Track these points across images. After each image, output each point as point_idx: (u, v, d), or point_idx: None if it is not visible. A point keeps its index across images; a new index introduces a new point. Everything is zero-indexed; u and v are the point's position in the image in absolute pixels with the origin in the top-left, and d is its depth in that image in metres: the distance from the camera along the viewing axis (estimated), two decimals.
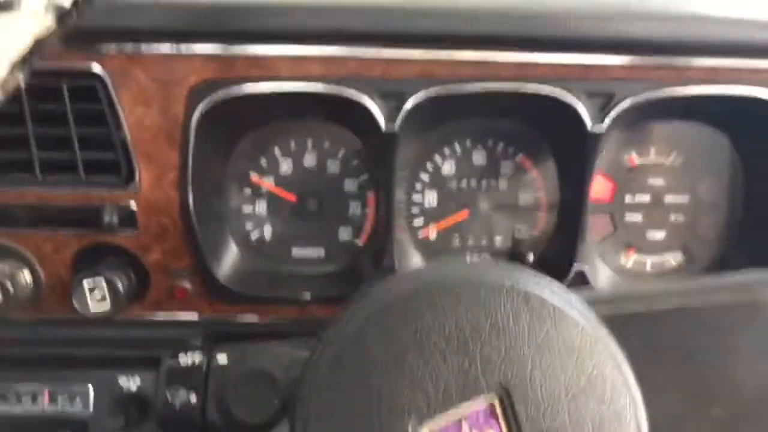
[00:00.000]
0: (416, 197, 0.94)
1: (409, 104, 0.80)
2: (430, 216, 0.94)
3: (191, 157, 0.81)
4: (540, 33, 0.76)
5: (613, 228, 0.94)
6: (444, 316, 0.43)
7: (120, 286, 0.85)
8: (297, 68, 0.79)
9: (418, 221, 0.94)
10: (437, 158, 0.93)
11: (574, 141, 0.83)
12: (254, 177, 0.92)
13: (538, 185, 0.93)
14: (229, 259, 0.91)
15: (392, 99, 0.80)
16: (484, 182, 0.93)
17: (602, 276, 0.91)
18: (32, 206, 0.84)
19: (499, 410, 0.43)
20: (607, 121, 0.80)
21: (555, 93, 0.80)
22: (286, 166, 0.92)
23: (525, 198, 0.93)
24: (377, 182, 0.92)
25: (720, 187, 0.92)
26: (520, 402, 0.42)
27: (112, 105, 0.79)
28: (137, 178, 0.82)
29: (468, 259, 0.53)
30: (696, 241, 0.94)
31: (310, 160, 0.92)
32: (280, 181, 0.93)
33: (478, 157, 0.93)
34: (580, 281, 0.87)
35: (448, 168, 0.93)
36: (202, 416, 0.78)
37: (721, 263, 0.93)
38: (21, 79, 0.47)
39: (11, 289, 0.87)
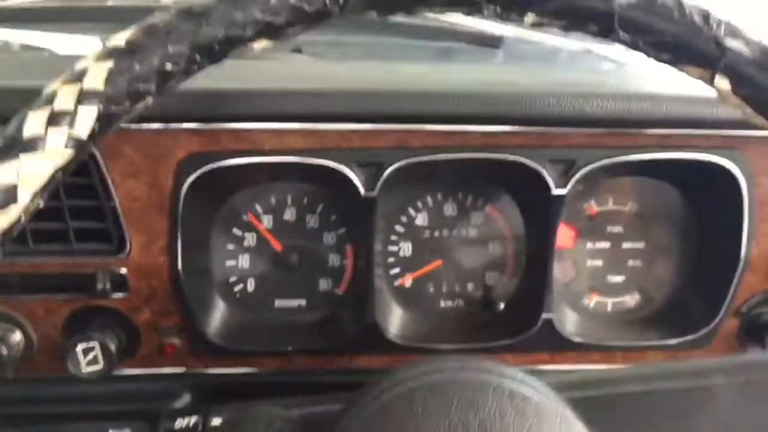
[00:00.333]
0: (392, 248, 0.99)
1: (387, 173, 0.85)
2: (406, 265, 0.99)
3: (180, 225, 0.85)
4: (504, 112, 0.82)
5: (575, 273, 1.01)
6: (437, 418, 0.48)
7: (112, 346, 0.89)
8: (279, 141, 0.84)
9: (394, 270, 1.00)
10: (411, 211, 0.98)
11: (539, 201, 0.89)
12: (237, 233, 0.96)
13: (506, 235, 0.99)
14: (215, 315, 0.96)
15: (371, 167, 0.86)
16: (455, 232, 0.99)
17: (569, 322, 0.98)
18: (25, 274, 0.87)
19: None
20: (570, 184, 0.87)
21: (521, 160, 0.86)
22: (267, 222, 0.97)
23: (494, 247, 0.99)
24: (355, 235, 0.97)
25: (673, 233, 0.99)
26: None
27: (102, 179, 0.83)
28: (128, 245, 0.86)
29: (454, 358, 0.58)
30: (652, 283, 1.01)
31: (289, 215, 0.97)
32: (262, 236, 0.97)
33: (449, 209, 0.99)
34: (548, 328, 0.93)
35: (421, 220, 0.99)
36: None
37: (676, 303, 1.00)
38: (41, 204, 0.51)
39: (4, 350, 0.90)
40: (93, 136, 0.48)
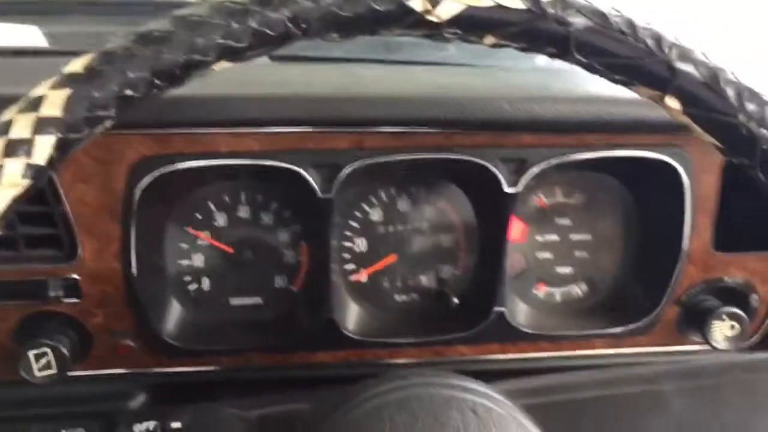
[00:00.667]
0: (347, 244, 1.00)
1: (343, 174, 0.86)
2: (361, 261, 1.00)
3: (134, 229, 0.84)
4: (458, 116, 0.83)
5: (526, 265, 1.03)
6: None
7: (65, 351, 0.87)
8: (234, 143, 0.83)
9: (350, 266, 1.00)
10: (365, 207, 0.99)
11: (492, 199, 0.91)
12: (191, 232, 0.95)
13: (459, 229, 1.01)
14: (170, 315, 0.95)
15: (326, 169, 0.86)
16: (409, 227, 1.00)
17: (520, 313, 1.00)
18: None
19: None
20: (522, 183, 0.89)
21: (474, 160, 0.87)
22: (221, 220, 0.96)
23: (447, 241, 1.01)
24: (310, 233, 0.97)
25: (618, 225, 1.03)
26: None
27: (52, 184, 0.81)
28: (80, 251, 0.84)
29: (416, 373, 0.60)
30: (598, 274, 1.04)
31: (244, 212, 0.96)
32: (216, 234, 0.96)
33: (403, 205, 1.00)
34: (500, 320, 0.96)
35: (375, 215, 0.99)
36: None
37: (620, 293, 1.04)
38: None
39: None
40: (51, 163, 0.48)
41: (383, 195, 0.99)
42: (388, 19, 0.52)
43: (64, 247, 0.84)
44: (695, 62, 0.53)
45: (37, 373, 0.86)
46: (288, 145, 0.85)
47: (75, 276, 0.86)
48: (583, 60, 0.53)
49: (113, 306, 0.89)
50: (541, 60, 0.98)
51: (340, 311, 0.97)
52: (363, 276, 1.01)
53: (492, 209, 0.94)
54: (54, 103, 0.46)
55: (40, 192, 0.81)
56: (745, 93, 0.52)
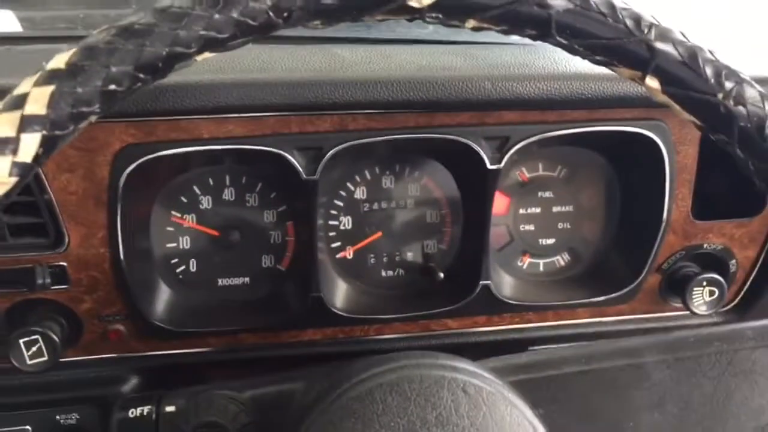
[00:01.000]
0: (332, 222, 1.00)
1: (327, 156, 0.86)
2: (347, 239, 1.01)
3: (120, 216, 0.84)
4: (441, 97, 0.84)
5: (509, 238, 1.05)
6: (397, 415, 0.51)
7: (55, 337, 0.88)
8: (217, 129, 0.83)
9: (336, 244, 1.01)
10: (350, 185, 0.99)
11: (475, 175, 0.92)
12: (176, 215, 0.96)
13: (443, 205, 1.02)
14: (159, 298, 0.95)
15: (310, 151, 0.86)
16: (393, 204, 1.01)
17: (505, 285, 1.02)
18: None
19: None
20: (505, 160, 0.90)
21: (457, 138, 0.88)
22: (206, 202, 0.96)
23: (431, 217, 1.02)
24: (296, 213, 0.98)
25: (600, 197, 1.04)
26: None
27: (36, 173, 0.80)
28: (66, 239, 0.84)
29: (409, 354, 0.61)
30: (581, 243, 1.06)
31: (228, 194, 0.97)
32: (201, 216, 0.96)
33: (387, 182, 1.00)
34: (486, 293, 0.97)
35: (360, 193, 1.00)
36: None
37: (602, 262, 1.06)
38: None
39: None
40: (37, 159, 0.48)
41: (367, 174, 0.99)
42: (371, 5, 0.52)
43: (50, 235, 0.84)
44: (674, 42, 0.53)
45: (29, 361, 0.86)
46: (271, 129, 0.85)
47: (62, 263, 0.86)
48: (564, 41, 0.54)
49: (102, 291, 0.89)
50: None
51: (328, 289, 0.98)
52: (349, 253, 1.02)
53: (475, 185, 0.95)
54: (38, 100, 0.46)
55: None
56: (723, 71, 0.53)
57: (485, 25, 0.54)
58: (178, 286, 0.98)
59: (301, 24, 0.52)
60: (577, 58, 0.55)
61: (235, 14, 0.49)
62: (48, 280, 0.86)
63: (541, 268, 1.07)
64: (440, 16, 0.53)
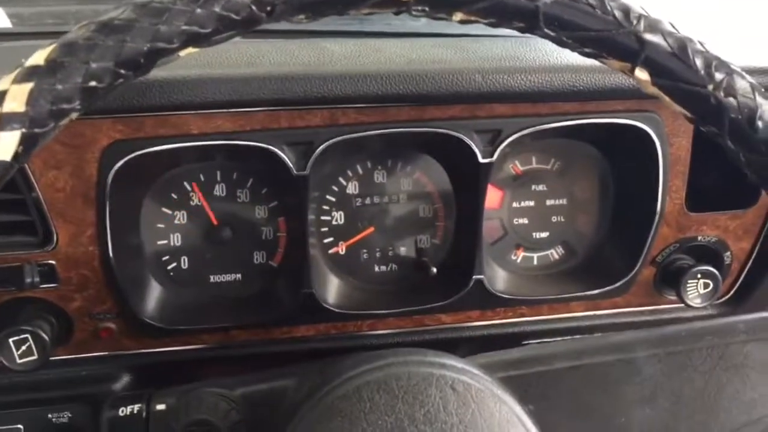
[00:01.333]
0: (325, 217, 1.00)
1: (317, 151, 0.85)
2: (339, 234, 1.00)
3: (108, 213, 0.83)
4: (432, 90, 0.83)
5: (503, 232, 1.04)
6: (384, 413, 0.50)
7: (45, 336, 0.87)
8: (205, 124, 0.82)
9: (328, 239, 1.01)
10: (341, 180, 0.99)
11: (467, 169, 0.91)
12: (167, 211, 0.95)
13: (435, 200, 1.01)
14: (150, 296, 0.95)
15: (301, 146, 0.86)
16: (386, 199, 1.00)
17: (498, 279, 1.02)
18: None
19: None
20: (497, 153, 0.89)
21: (448, 132, 0.87)
22: (196, 199, 0.95)
23: (424, 211, 1.02)
24: (287, 208, 0.97)
25: (593, 189, 1.04)
26: None
27: (22, 171, 0.80)
28: (55, 237, 0.84)
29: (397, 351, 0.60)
30: (575, 236, 1.06)
31: (219, 190, 0.96)
32: (192, 212, 0.96)
33: (379, 177, 1.00)
34: (479, 287, 0.97)
35: (352, 188, 0.99)
36: None
37: (596, 255, 1.05)
38: None
39: None
40: (17, 157, 0.47)
41: (359, 168, 0.99)
42: None
43: (38, 234, 0.84)
44: (663, 33, 0.53)
45: (18, 360, 0.86)
46: (261, 124, 0.84)
47: (51, 261, 0.85)
48: (552, 34, 0.53)
49: (92, 289, 0.89)
50: None
51: (320, 285, 0.97)
52: (342, 249, 1.01)
53: (468, 179, 0.94)
54: (16, 97, 0.45)
55: (11, 179, 0.80)
56: (713, 62, 0.53)
57: (473, 18, 0.53)
58: (169, 283, 0.97)
59: (285, 18, 0.51)
60: (569, 50, 0.54)
61: (217, 9, 0.48)
62: (37, 279, 0.85)
63: (535, 262, 1.07)
64: (427, 9, 0.53)
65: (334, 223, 1.00)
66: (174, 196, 0.94)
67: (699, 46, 0.53)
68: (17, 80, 0.46)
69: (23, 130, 0.46)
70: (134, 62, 0.47)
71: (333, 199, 0.99)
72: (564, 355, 0.58)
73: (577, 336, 1.02)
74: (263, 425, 0.72)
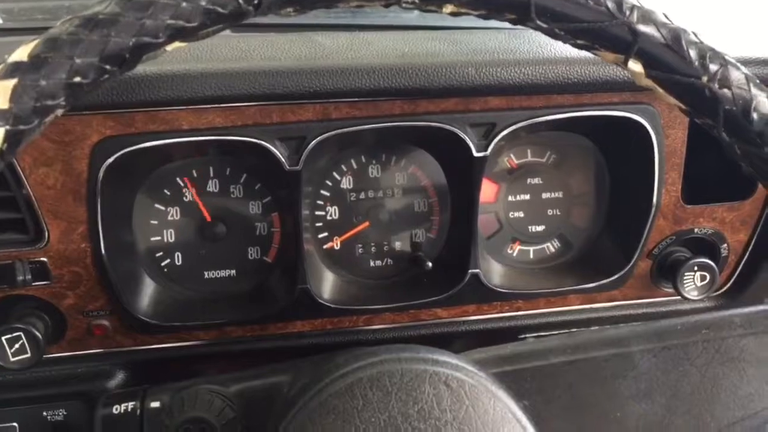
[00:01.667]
0: (319, 212, 0.99)
1: (310, 146, 0.84)
2: (334, 229, 1.00)
3: (100, 210, 0.82)
4: (425, 84, 0.83)
5: (499, 226, 1.04)
6: (378, 410, 0.50)
7: (38, 334, 0.86)
8: (197, 119, 0.82)
9: (323, 234, 1.00)
10: (335, 175, 0.98)
11: (462, 163, 0.91)
12: (160, 208, 0.94)
13: (430, 193, 1.00)
14: (144, 292, 0.94)
15: (293, 141, 0.85)
16: (380, 193, 0.99)
17: (494, 273, 1.01)
18: None
19: None
20: (491, 147, 0.88)
21: (442, 126, 0.87)
22: (189, 194, 0.95)
23: (419, 205, 1.01)
24: (281, 203, 0.96)
25: (589, 182, 1.03)
26: None
27: (12, 168, 0.79)
28: (46, 235, 0.83)
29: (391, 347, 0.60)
30: (570, 230, 1.05)
31: (212, 186, 0.95)
32: (185, 208, 0.95)
33: (373, 171, 0.99)
34: (475, 281, 0.96)
35: (346, 183, 0.99)
36: None
37: (593, 249, 1.05)
38: None
39: None
40: (2, 154, 0.46)
41: (353, 163, 0.98)
42: None
43: (29, 231, 0.83)
44: (657, 24, 0.52)
45: (12, 358, 0.85)
46: (252, 119, 0.83)
47: (43, 259, 0.84)
48: (544, 25, 0.52)
49: (85, 287, 0.88)
50: None
51: (315, 280, 0.96)
52: (336, 244, 1.00)
53: (462, 173, 0.93)
54: None
55: (1, 176, 0.80)
56: (707, 54, 0.52)
57: (463, 10, 0.52)
58: (163, 280, 0.96)
59: (272, 12, 0.50)
60: (562, 43, 0.53)
61: (203, 2, 0.47)
62: (29, 276, 0.84)
63: (531, 256, 1.06)
64: (417, 1, 0.52)
65: (328, 218, 0.99)
66: (166, 192, 0.93)
67: (693, 37, 0.52)
68: (0, 76, 0.45)
69: (7, 127, 0.45)
70: (119, 57, 0.47)
71: (327, 194, 0.98)
72: (559, 350, 0.58)
73: (573, 329, 1.02)
74: (258, 422, 0.72)
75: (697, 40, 0.52)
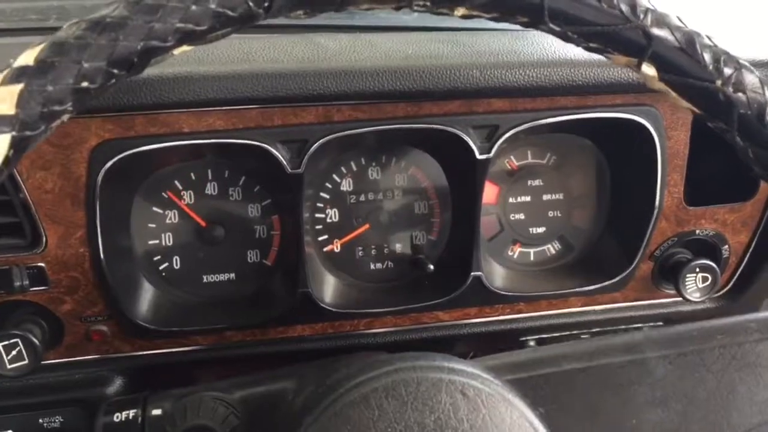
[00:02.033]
0: (319, 215, 0.98)
1: (312, 149, 0.83)
2: (334, 231, 0.99)
3: (98, 214, 0.81)
4: (429, 86, 0.82)
5: (500, 227, 1.03)
6: (394, 420, 0.49)
7: (36, 340, 0.85)
8: (197, 122, 0.81)
9: (323, 237, 0.99)
10: (335, 177, 0.97)
11: (464, 165, 0.90)
12: (158, 211, 0.93)
13: (431, 196, 1.00)
14: (142, 297, 0.93)
15: (295, 144, 0.84)
16: (381, 196, 0.99)
17: (496, 276, 1.00)
18: None
19: None
20: (494, 149, 0.88)
21: (445, 128, 0.86)
22: (188, 197, 0.93)
23: (420, 208, 1.00)
24: (281, 206, 0.95)
25: (590, 184, 1.02)
26: None
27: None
28: (44, 239, 0.82)
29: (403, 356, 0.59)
30: (572, 232, 1.05)
31: (211, 189, 0.94)
32: (184, 212, 0.94)
33: (374, 173, 0.98)
34: (477, 284, 0.95)
35: (346, 185, 0.98)
36: None
37: (594, 250, 1.04)
38: None
39: None
40: (7, 162, 0.45)
41: (353, 165, 0.97)
42: None
43: (27, 236, 0.81)
44: (671, 27, 0.51)
45: (9, 365, 0.84)
46: (254, 122, 0.82)
47: (40, 264, 0.83)
48: (557, 29, 0.51)
49: (83, 292, 0.87)
50: None
51: (316, 284, 0.95)
52: (337, 246, 1.00)
53: (464, 175, 0.93)
54: (5, 99, 0.43)
55: None
56: (721, 57, 0.52)
57: (475, 13, 0.52)
58: (161, 284, 0.95)
59: (283, 14, 0.50)
60: (566, 44, 0.53)
61: (213, 5, 0.46)
62: (26, 282, 0.83)
63: (532, 258, 1.06)
64: (428, 3, 0.51)
65: (328, 220, 0.99)
66: (165, 195, 0.92)
67: (707, 41, 0.52)
68: (6, 81, 0.44)
69: (13, 133, 0.44)
70: (127, 62, 0.46)
71: (327, 197, 0.97)
72: (573, 357, 0.57)
73: (576, 331, 1.02)
74: (263, 430, 0.71)
75: (711, 44, 0.52)
